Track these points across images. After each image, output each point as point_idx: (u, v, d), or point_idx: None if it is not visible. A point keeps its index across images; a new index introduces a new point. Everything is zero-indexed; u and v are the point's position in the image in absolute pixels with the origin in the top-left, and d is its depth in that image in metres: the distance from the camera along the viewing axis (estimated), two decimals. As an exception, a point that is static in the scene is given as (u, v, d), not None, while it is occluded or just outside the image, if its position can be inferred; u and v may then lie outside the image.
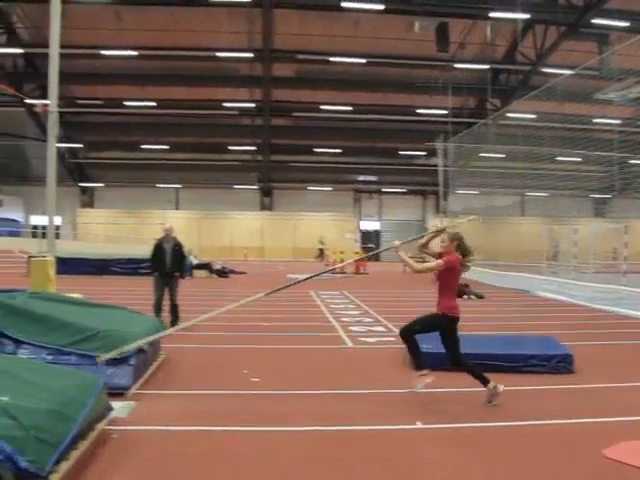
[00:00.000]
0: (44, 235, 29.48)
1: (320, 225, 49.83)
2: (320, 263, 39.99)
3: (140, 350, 6.82)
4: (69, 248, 29.29)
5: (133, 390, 6.55)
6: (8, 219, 46.55)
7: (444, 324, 6.58)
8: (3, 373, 4.50)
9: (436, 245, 6.96)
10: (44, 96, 34.83)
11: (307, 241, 48.90)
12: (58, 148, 37.04)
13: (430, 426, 5.73)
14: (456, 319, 6.60)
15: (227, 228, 49.32)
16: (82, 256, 25.90)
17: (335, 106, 40.01)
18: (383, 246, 52.13)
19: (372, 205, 53.43)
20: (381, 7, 28.90)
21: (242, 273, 29.34)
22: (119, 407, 5.75)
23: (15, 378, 4.47)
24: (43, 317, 6.85)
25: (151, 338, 7.08)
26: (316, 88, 38.57)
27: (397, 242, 6.88)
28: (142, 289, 19.37)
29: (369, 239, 51.40)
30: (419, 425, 5.73)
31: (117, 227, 45.81)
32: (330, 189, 51.11)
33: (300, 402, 6.56)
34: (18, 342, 6.61)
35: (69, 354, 6.49)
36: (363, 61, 35.23)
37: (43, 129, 41.10)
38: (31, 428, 3.75)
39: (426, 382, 6.70)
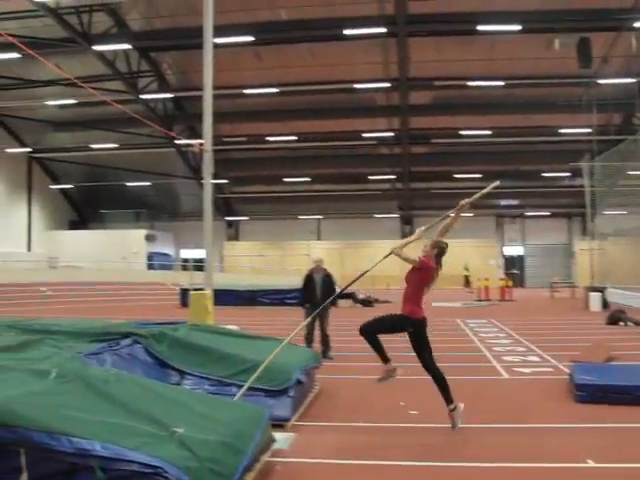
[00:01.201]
0: (195, 268, 31.01)
1: (462, 252, 48.82)
2: (466, 291, 39.22)
3: (298, 381, 6.91)
4: (217, 280, 30.30)
5: (292, 422, 6.61)
6: (161, 253, 49.14)
7: (406, 326, 6.49)
8: (175, 404, 4.68)
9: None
10: (192, 136, 36.90)
11: (449, 268, 47.60)
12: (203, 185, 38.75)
13: (604, 465, 5.36)
14: (420, 322, 6.50)
15: (368, 257, 49.17)
16: (231, 288, 26.77)
17: (474, 130, 39.41)
18: (527, 271, 50.58)
19: (515, 230, 51.90)
20: (518, 27, 28.29)
21: (386, 302, 29.27)
22: (280, 439, 5.80)
23: (186, 409, 4.63)
24: (204, 349, 7.10)
25: (307, 369, 7.17)
26: (454, 113, 38.20)
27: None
28: (290, 319, 19.75)
29: (513, 265, 49.95)
30: (591, 463, 5.40)
31: (262, 259, 47.15)
32: (471, 215, 50.09)
33: (460, 435, 6.39)
34: (182, 373, 6.86)
35: (230, 385, 6.65)
36: (501, 83, 34.52)
37: (191, 167, 43.36)
38: (206, 460, 3.85)
39: (396, 375, 6.79)
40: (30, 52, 5.00)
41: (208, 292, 9.01)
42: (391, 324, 6.69)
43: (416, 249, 6.71)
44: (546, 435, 6.34)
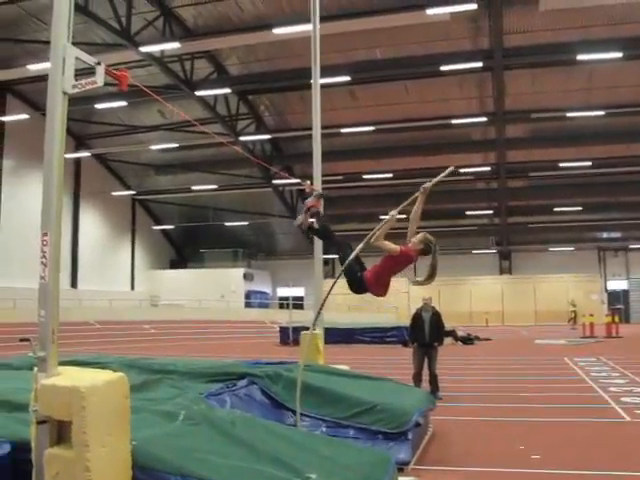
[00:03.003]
0: (292, 306, 31.22)
1: (562, 287, 47.43)
2: (570, 328, 37.93)
3: (417, 424, 6.77)
4: (310, 318, 30.55)
5: (412, 465, 6.48)
6: (258, 291, 49.85)
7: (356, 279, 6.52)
8: (301, 447, 4.64)
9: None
10: (289, 177, 37.43)
11: (549, 304, 46.73)
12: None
13: None
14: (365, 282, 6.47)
15: (466, 293, 48.66)
16: (330, 325, 26.77)
17: (573, 162, 38.32)
18: (632, 306, 48.32)
19: (618, 263, 49.82)
20: (619, 55, 27.51)
21: (487, 339, 28.64)
22: (403, 483, 5.70)
23: (312, 452, 4.58)
24: (319, 390, 7.05)
25: (423, 410, 7.02)
26: (552, 145, 37.27)
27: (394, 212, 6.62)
28: (392, 358, 19.58)
29: (617, 300, 47.95)
30: None
31: (357, 296, 46.95)
32: (572, 249, 48.66)
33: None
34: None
35: (347, 427, 6.58)
36: (601, 113, 33.50)
37: (288, 206, 43.97)
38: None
39: None
40: (154, 95, 5.17)
41: (319, 332, 8.99)
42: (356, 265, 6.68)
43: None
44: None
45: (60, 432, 3.76)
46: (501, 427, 8.91)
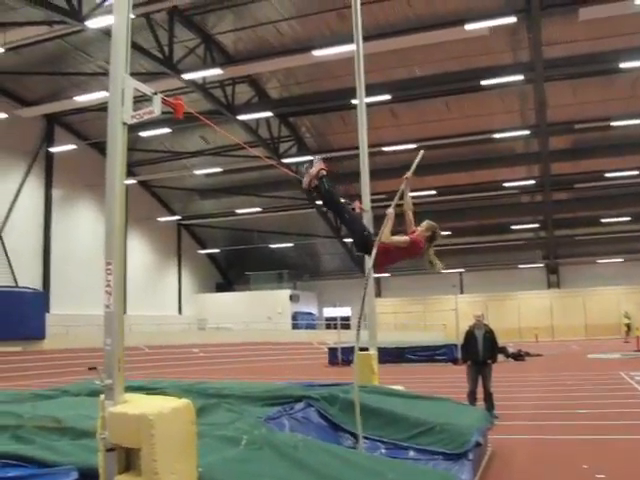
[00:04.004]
0: (339, 326, 31.17)
1: (613, 299, 46.47)
2: (623, 341, 37.11)
3: (477, 444, 6.65)
4: (362, 338, 30.38)
5: (473, 486, 6.38)
6: (305, 312, 49.91)
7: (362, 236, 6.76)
8: (366, 471, 4.60)
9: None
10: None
11: (600, 318, 45.78)
12: (346, 243, 39.08)
13: None
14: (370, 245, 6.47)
15: (514, 309, 48.00)
16: (379, 345, 26.61)
17: (619, 172, 37.64)
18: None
19: (672, 274, 48.74)
20: (666, 59, 27.03)
21: (538, 355, 28.19)
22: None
23: (378, 475, 4.54)
24: (376, 411, 6.97)
25: (483, 430, 6.91)
26: (597, 156, 36.68)
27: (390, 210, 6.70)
28: (444, 377, 19.39)
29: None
30: None
31: (405, 314, 46.76)
32: (621, 260, 47.70)
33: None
34: (355, 436, 6.78)
35: (406, 449, 6.48)
36: (646, 120, 32.94)
37: (332, 227, 44.06)
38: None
39: None
40: (206, 121, 5.24)
41: (373, 352, 8.94)
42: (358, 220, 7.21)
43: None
44: None
45: (128, 459, 3.78)
46: (561, 445, 8.72)
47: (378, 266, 6.87)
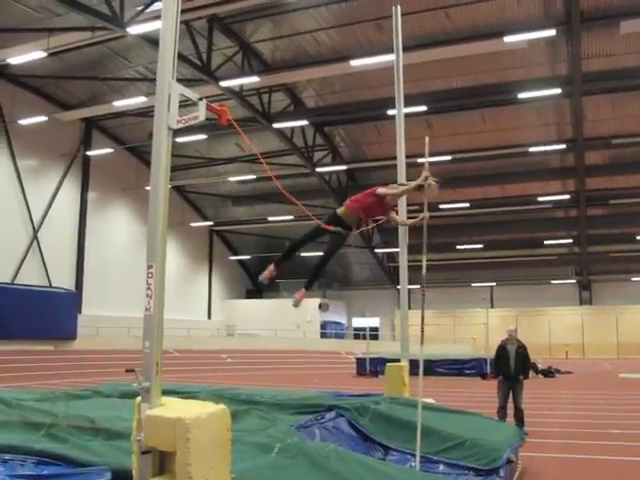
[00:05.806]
0: (367, 337, 31.09)
1: (642, 317, 45.77)
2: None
3: (509, 460, 6.57)
4: (390, 349, 30.21)
5: (505, 504, 6.29)
6: (333, 322, 49.82)
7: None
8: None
9: None
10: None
11: (633, 336, 44.96)
12: (376, 253, 38.95)
13: None
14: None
15: (544, 325, 47.39)
16: (410, 357, 26.45)
17: (657, 189, 37.08)
18: None
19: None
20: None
21: (568, 373, 27.82)
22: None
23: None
24: (407, 423, 6.92)
25: (514, 446, 6.82)
26: (634, 172, 36.13)
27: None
28: (473, 391, 19.21)
29: None
30: None
31: (434, 327, 46.41)
32: (649, 273, 46.90)
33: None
34: (386, 448, 6.73)
35: (437, 463, 6.44)
36: (685, 136, 32.37)
37: (363, 236, 43.96)
38: None
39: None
40: (241, 132, 5.28)
41: (404, 364, 8.88)
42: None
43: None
44: None
45: (162, 463, 3.80)
46: (593, 465, 8.59)
47: (362, 220, 7.40)
